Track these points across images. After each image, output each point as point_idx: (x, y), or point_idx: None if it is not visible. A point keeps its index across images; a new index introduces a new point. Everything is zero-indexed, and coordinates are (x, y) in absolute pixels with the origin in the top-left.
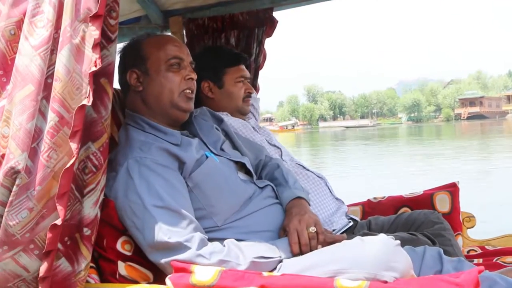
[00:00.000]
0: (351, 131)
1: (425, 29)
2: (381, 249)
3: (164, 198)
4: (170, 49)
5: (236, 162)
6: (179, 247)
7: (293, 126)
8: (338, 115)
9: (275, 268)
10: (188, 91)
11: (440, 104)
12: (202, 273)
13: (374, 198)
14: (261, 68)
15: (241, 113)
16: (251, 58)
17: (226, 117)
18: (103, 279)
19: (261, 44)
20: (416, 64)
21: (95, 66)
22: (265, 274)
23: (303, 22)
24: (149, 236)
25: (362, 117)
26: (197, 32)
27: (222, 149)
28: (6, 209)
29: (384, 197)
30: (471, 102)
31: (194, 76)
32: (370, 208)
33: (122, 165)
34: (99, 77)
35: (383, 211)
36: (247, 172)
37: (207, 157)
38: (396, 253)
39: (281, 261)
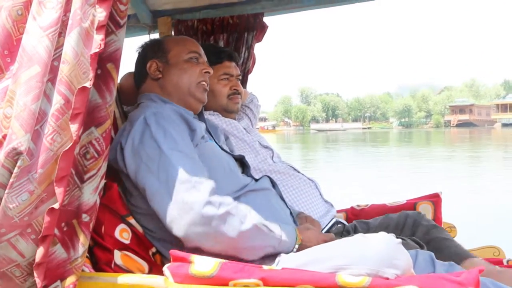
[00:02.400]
0: (331, 134)
1: (426, 35)
2: (383, 246)
3: (179, 143)
4: (190, 45)
5: (235, 159)
6: (191, 188)
7: (274, 127)
8: (331, 117)
9: (273, 262)
10: (204, 83)
11: (431, 110)
12: (202, 264)
13: (358, 205)
14: (250, 73)
15: (228, 111)
16: (239, 62)
17: (217, 118)
18: (97, 268)
19: (250, 48)
20: (415, 70)
21: (99, 48)
22: (265, 267)
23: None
24: (163, 177)
25: (355, 120)
26: (186, 33)
27: (222, 148)
28: (6, 191)
29: (368, 205)
30: (461, 109)
31: (211, 71)
32: (353, 215)
33: (138, 118)
34: (105, 62)
35: (366, 218)
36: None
37: (209, 141)
38: (398, 251)
39: (280, 244)
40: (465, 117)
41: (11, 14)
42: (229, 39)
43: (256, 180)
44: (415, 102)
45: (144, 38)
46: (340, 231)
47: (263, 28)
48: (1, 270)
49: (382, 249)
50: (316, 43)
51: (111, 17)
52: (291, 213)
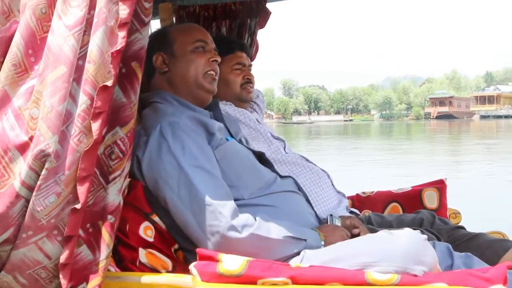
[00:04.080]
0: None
1: (414, 27)
2: (410, 243)
3: (198, 158)
4: (195, 33)
5: (254, 153)
6: (213, 211)
7: None
8: (313, 110)
9: (297, 256)
10: (212, 72)
11: (412, 102)
12: (230, 262)
13: (363, 192)
14: (253, 60)
15: (242, 100)
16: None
17: (230, 108)
18: (121, 266)
19: (253, 35)
20: (401, 62)
21: (121, 46)
22: (293, 265)
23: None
24: (184, 196)
25: (337, 112)
26: (188, 20)
27: (240, 141)
28: (34, 193)
29: (373, 191)
30: (441, 101)
31: (218, 59)
32: (359, 202)
33: (155, 128)
34: (130, 61)
35: (372, 205)
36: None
37: (227, 140)
38: (424, 247)
39: (298, 253)
40: (444, 109)
41: (35, 12)
42: (232, 25)
43: (281, 176)
44: (396, 94)
45: None
46: None
47: (266, 15)
48: (28, 272)
49: (409, 245)
50: (301, 35)
51: (135, 15)
52: (316, 215)
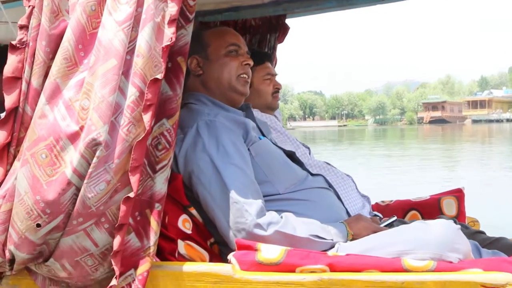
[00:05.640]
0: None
1: (412, 33)
2: (445, 231)
3: (232, 156)
4: (229, 37)
5: (285, 152)
6: (240, 209)
7: None
8: (308, 116)
9: (332, 249)
10: (244, 75)
11: (405, 107)
12: (269, 251)
13: (382, 201)
14: None
15: (271, 109)
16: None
17: (258, 114)
18: (161, 258)
19: (273, 49)
20: (400, 68)
21: (170, 41)
22: (330, 253)
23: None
24: (215, 193)
25: (332, 118)
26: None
27: (271, 140)
28: (85, 181)
29: (392, 200)
30: (434, 106)
31: (251, 62)
32: (378, 210)
33: (191, 126)
34: (176, 56)
35: (391, 213)
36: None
37: (260, 139)
38: (458, 235)
39: (332, 246)
40: (437, 114)
41: (85, 9)
42: (252, 40)
43: (312, 174)
44: (389, 99)
45: None
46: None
47: (285, 30)
48: (75, 259)
49: (443, 234)
50: (301, 41)
51: (181, 12)
52: (347, 212)
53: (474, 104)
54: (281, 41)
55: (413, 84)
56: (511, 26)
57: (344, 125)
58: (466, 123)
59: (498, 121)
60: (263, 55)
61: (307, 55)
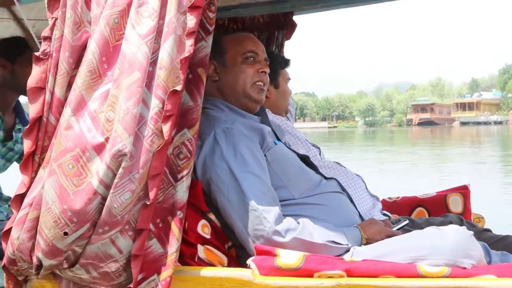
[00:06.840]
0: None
1: (408, 35)
2: (459, 238)
3: (249, 163)
4: (247, 44)
5: (299, 156)
6: (259, 216)
7: None
8: (299, 117)
9: (347, 253)
10: (260, 83)
11: (394, 109)
12: (287, 256)
13: (389, 198)
14: None
15: (287, 111)
16: None
17: (270, 115)
18: (181, 262)
19: (281, 46)
20: (393, 69)
21: (189, 53)
22: (347, 259)
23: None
24: (233, 200)
25: (323, 119)
26: (217, 32)
27: (285, 144)
28: (111, 191)
29: (399, 197)
30: (423, 108)
31: (267, 70)
32: (385, 207)
33: (208, 134)
34: (196, 67)
35: (398, 210)
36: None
37: (275, 144)
38: (471, 242)
39: (347, 250)
40: (426, 115)
41: (108, 22)
42: (260, 37)
43: (326, 178)
44: (379, 101)
45: None
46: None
47: (292, 27)
48: (100, 265)
49: (457, 240)
50: (294, 42)
51: (201, 24)
52: (360, 215)
53: (463, 106)
54: (288, 38)
55: (404, 86)
56: (504, 28)
57: (334, 127)
58: (454, 125)
59: (486, 123)
60: (286, 59)
61: (300, 56)
